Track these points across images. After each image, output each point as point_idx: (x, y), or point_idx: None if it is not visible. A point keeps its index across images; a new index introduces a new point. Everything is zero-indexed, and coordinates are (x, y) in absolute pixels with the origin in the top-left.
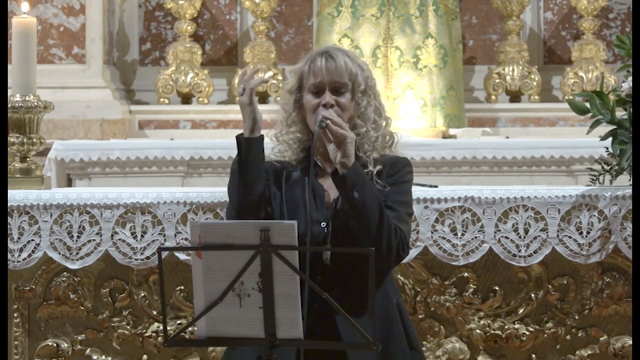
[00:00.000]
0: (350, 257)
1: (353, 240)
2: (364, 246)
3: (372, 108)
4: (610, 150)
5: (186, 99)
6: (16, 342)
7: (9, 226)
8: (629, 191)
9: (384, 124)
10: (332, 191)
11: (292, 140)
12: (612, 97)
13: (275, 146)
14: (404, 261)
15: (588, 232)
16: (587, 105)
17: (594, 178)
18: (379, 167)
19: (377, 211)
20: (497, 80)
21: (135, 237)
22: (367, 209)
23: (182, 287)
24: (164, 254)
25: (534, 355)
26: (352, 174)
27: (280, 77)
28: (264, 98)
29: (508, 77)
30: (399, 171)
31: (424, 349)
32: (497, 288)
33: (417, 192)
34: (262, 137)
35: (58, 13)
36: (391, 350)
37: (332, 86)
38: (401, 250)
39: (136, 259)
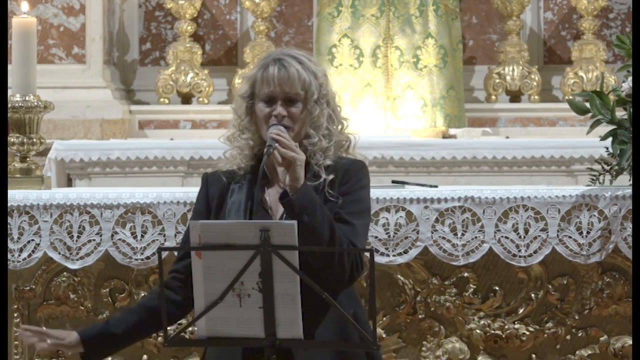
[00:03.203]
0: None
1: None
2: (315, 267)
3: (325, 117)
4: (610, 150)
5: (186, 99)
6: (16, 342)
7: (9, 226)
8: (629, 191)
9: (339, 128)
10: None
11: (244, 146)
12: (612, 97)
13: (227, 150)
14: (403, 262)
15: (588, 232)
16: (587, 105)
17: (594, 178)
18: (331, 176)
19: (327, 234)
20: (497, 80)
21: (135, 237)
22: (317, 232)
23: None
24: (164, 254)
25: (534, 355)
26: (300, 198)
27: None
28: None
29: (508, 77)
30: (351, 178)
31: (423, 349)
32: (497, 288)
33: (417, 192)
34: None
35: (58, 13)
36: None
37: (284, 97)
38: (355, 270)
39: (136, 259)
